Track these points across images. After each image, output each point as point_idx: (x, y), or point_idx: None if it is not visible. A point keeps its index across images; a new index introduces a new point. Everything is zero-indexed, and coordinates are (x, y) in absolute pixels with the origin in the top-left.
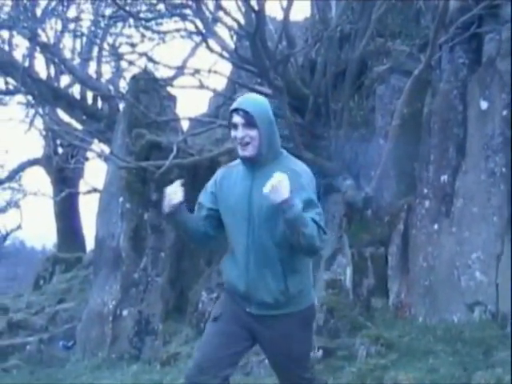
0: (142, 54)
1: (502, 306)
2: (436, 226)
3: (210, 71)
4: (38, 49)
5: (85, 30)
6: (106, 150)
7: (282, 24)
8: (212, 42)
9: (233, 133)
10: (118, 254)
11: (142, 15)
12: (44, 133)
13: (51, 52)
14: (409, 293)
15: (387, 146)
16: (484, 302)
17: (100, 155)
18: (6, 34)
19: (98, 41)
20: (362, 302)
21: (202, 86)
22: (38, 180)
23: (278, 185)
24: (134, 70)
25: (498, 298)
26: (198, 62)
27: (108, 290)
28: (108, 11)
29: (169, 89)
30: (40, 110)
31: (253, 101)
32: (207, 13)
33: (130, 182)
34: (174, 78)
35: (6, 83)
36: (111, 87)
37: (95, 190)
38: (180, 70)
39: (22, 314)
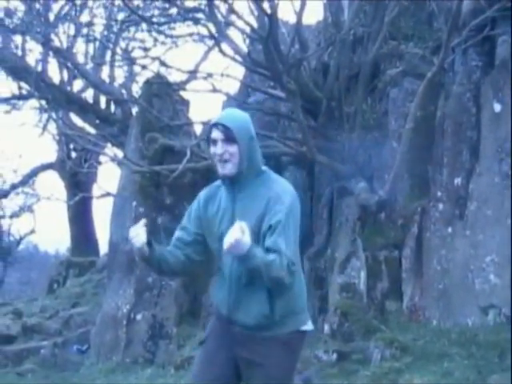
0: (154, 59)
1: None
2: (450, 229)
3: (222, 75)
4: (51, 53)
5: (98, 35)
6: (119, 154)
7: (294, 27)
8: (225, 46)
9: (212, 149)
10: (132, 257)
11: (154, 19)
12: (57, 137)
13: (64, 57)
14: (423, 296)
15: (400, 149)
16: (498, 305)
17: (113, 159)
18: (19, 39)
19: (111, 45)
20: (376, 306)
21: (214, 90)
22: (52, 184)
23: (236, 242)
24: (147, 74)
25: None
26: (210, 65)
27: (122, 294)
28: (121, 16)
29: (182, 93)
30: (53, 115)
31: (233, 116)
32: (220, 16)
33: (144, 186)
34: (187, 82)
35: (20, 88)
36: (124, 91)
37: (108, 194)
38: (193, 73)
39: (36, 318)
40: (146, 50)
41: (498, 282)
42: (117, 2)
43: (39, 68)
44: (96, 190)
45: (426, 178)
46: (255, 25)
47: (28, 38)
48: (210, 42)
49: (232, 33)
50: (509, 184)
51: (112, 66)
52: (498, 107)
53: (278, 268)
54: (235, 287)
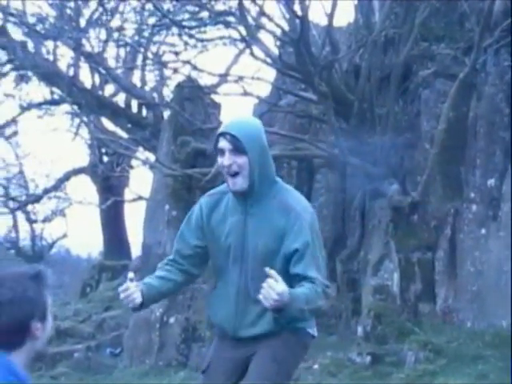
0: (185, 62)
1: None
2: (483, 231)
3: (253, 78)
4: (82, 58)
5: (129, 39)
6: (151, 157)
7: (325, 29)
8: (256, 49)
9: (219, 160)
10: None
11: (185, 23)
12: (89, 141)
13: (96, 61)
14: (456, 298)
15: (433, 151)
16: None
17: (145, 163)
18: (50, 44)
19: (142, 49)
20: (410, 308)
21: (245, 93)
22: (84, 188)
23: (280, 296)
24: (178, 78)
25: None
26: (241, 68)
27: None
28: (152, 20)
29: (213, 96)
30: (85, 119)
31: (241, 124)
32: (250, 19)
33: (176, 189)
34: (218, 85)
35: (52, 93)
36: (155, 95)
37: (140, 198)
38: (223, 77)
39: (70, 322)
40: (176, 53)
41: None
42: (147, 7)
43: (71, 73)
44: (128, 194)
45: (458, 180)
46: (286, 27)
47: (59, 43)
48: (241, 45)
49: (263, 35)
50: None
51: (143, 70)
52: None
53: (316, 298)
54: (243, 304)
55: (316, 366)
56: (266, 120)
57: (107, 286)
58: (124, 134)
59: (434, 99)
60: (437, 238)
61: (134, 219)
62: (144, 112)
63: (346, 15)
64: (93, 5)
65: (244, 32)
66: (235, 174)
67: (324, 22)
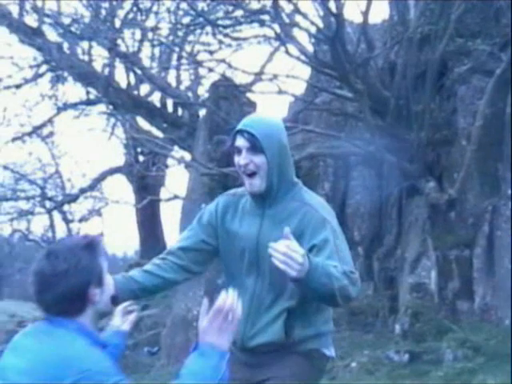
0: (220, 61)
1: None
2: None
3: (288, 76)
4: (117, 58)
5: (163, 39)
6: (187, 157)
7: (360, 27)
8: (290, 47)
9: (236, 159)
10: None
11: (219, 22)
12: (125, 141)
13: (131, 61)
14: (495, 295)
15: (470, 147)
16: None
17: (181, 162)
18: (86, 44)
19: (177, 49)
20: (448, 306)
21: (280, 92)
22: (120, 188)
23: (288, 248)
24: (213, 77)
25: None
26: (276, 67)
27: (192, 296)
28: (186, 19)
29: (248, 95)
30: (121, 119)
31: (260, 122)
32: (285, 17)
33: (213, 188)
34: (253, 83)
35: (88, 93)
36: (190, 94)
37: (176, 197)
38: (258, 75)
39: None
40: (211, 52)
41: None
42: (182, 6)
43: (106, 73)
44: (164, 193)
45: (496, 176)
46: (321, 25)
47: (95, 43)
48: (276, 43)
49: (297, 33)
50: None
51: (178, 70)
52: None
53: (341, 279)
54: (255, 312)
55: (354, 364)
56: (301, 118)
57: None
58: (159, 134)
59: (471, 96)
60: (474, 235)
61: (170, 218)
62: (179, 111)
63: (380, 12)
64: (127, 5)
65: (278, 30)
66: (252, 174)
67: (359, 19)
